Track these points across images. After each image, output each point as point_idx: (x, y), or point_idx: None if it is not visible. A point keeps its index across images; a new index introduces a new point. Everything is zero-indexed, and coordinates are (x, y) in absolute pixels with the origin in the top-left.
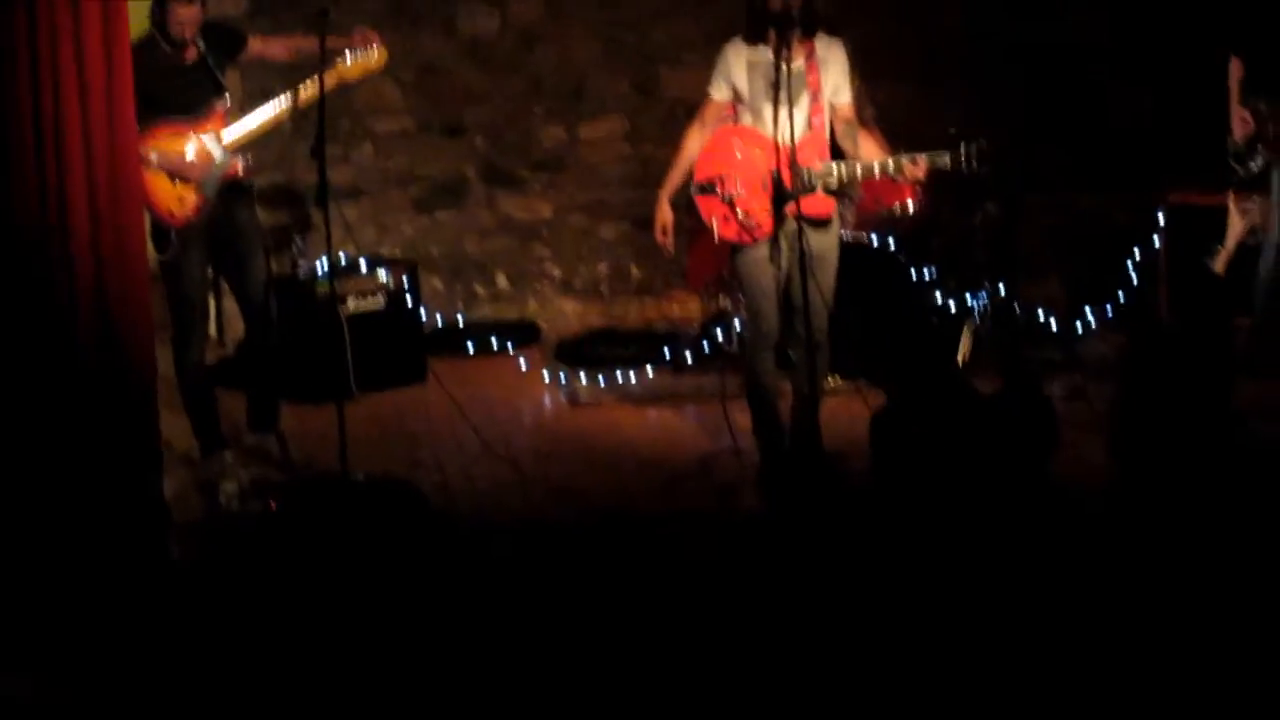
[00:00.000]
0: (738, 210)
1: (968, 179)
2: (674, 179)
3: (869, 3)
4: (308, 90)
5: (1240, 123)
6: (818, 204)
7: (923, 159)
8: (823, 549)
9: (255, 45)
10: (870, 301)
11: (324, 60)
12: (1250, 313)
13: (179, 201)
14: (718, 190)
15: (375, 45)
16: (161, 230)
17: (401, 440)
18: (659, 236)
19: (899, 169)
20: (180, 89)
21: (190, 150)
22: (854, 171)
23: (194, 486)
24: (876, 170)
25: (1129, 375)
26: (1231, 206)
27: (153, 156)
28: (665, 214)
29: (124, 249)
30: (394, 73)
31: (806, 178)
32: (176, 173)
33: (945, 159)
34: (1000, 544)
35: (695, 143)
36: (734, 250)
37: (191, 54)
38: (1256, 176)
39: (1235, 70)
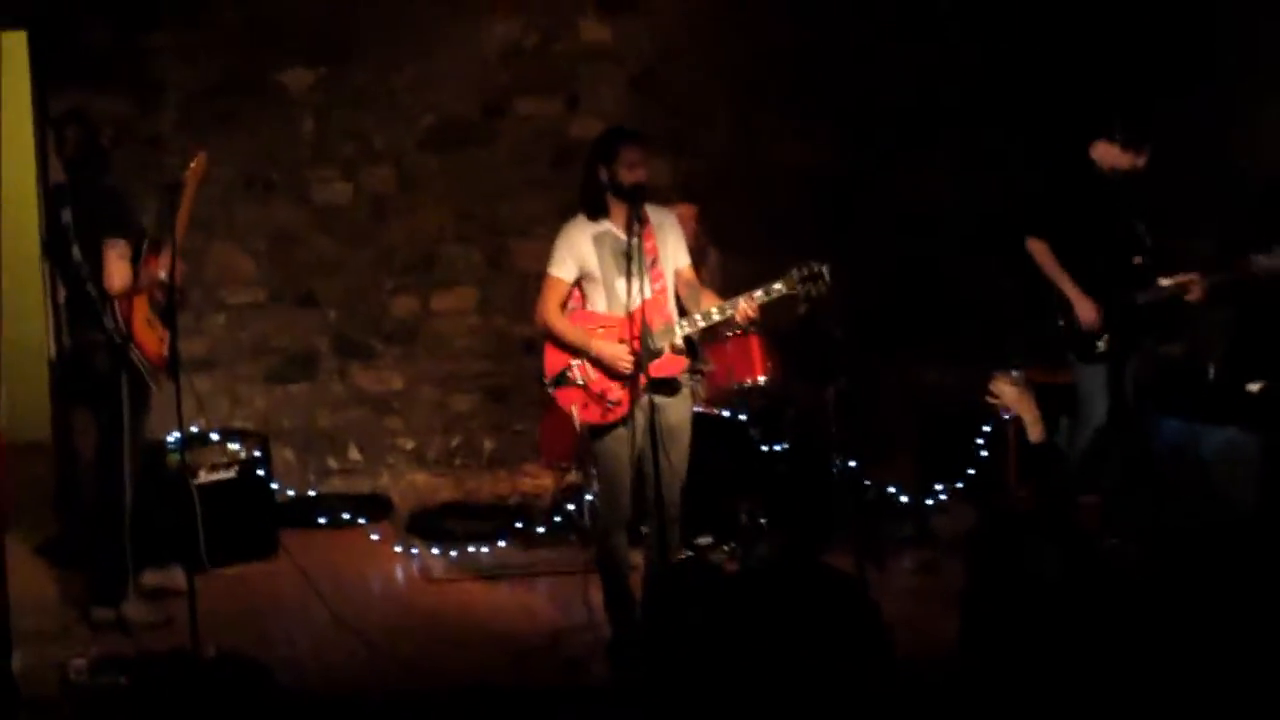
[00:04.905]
0: (595, 393)
1: (810, 302)
2: (581, 338)
3: (725, 180)
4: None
5: (1094, 311)
6: (667, 365)
7: (757, 293)
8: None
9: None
10: (722, 474)
11: (174, 233)
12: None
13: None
14: (570, 378)
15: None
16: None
17: (253, 615)
18: (623, 363)
19: (733, 308)
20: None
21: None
22: (694, 323)
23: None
24: (715, 314)
25: (978, 550)
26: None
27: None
28: (609, 348)
29: None
30: (246, 243)
31: (651, 342)
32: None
33: (780, 286)
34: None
35: (565, 320)
36: (592, 430)
37: None
38: (1100, 355)
39: (1042, 251)
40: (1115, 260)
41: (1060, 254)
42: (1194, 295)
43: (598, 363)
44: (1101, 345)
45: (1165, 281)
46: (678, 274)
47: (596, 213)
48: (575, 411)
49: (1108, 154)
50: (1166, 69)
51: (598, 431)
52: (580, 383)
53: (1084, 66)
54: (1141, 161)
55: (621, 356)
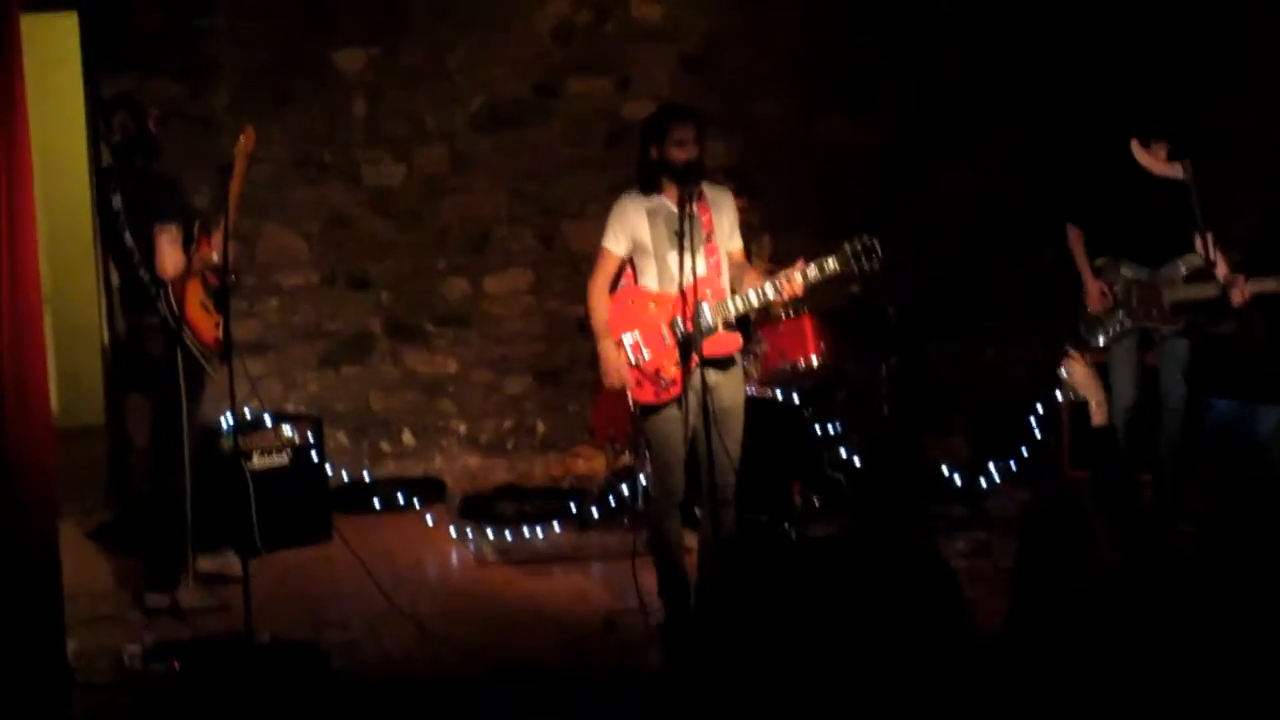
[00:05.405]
0: (649, 371)
1: (863, 278)
2: (600, 328)
3: (779, 157)
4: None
5: (1100, 297)
6: (720, 343)
7: (811, 270)
8: (726, 706)
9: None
10: (776, 455)
11: (226, 216)
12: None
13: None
14: (625, 356)
15: (246, 132)
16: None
17: (307, 599)
18: (610, 378)
19: (778, 288)
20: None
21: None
22: (748, 300)
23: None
24: (769, 291)
25: (1031, 532)
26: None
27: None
28: (609, 356)
29: (26, 396)
30: (299, 225)
31: (704, 319)
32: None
33: (833, 262)
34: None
35: (606, 301)
36: (645, 410)
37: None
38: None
39: (1075, 238)
40: (1143, 252)
41: (1093, 242)
42: (1236, 299)
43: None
44: (1103, 334)
45: (1219, 276)
46: (729, 255)
47: (650, 189)
48: (629, 390)
49: (1138, 152)
50: (1202, 68)
51: (649, 411)
52: (633, 361)
53: (1128, 68)
54: (1162, 154)
55: (613, 370)
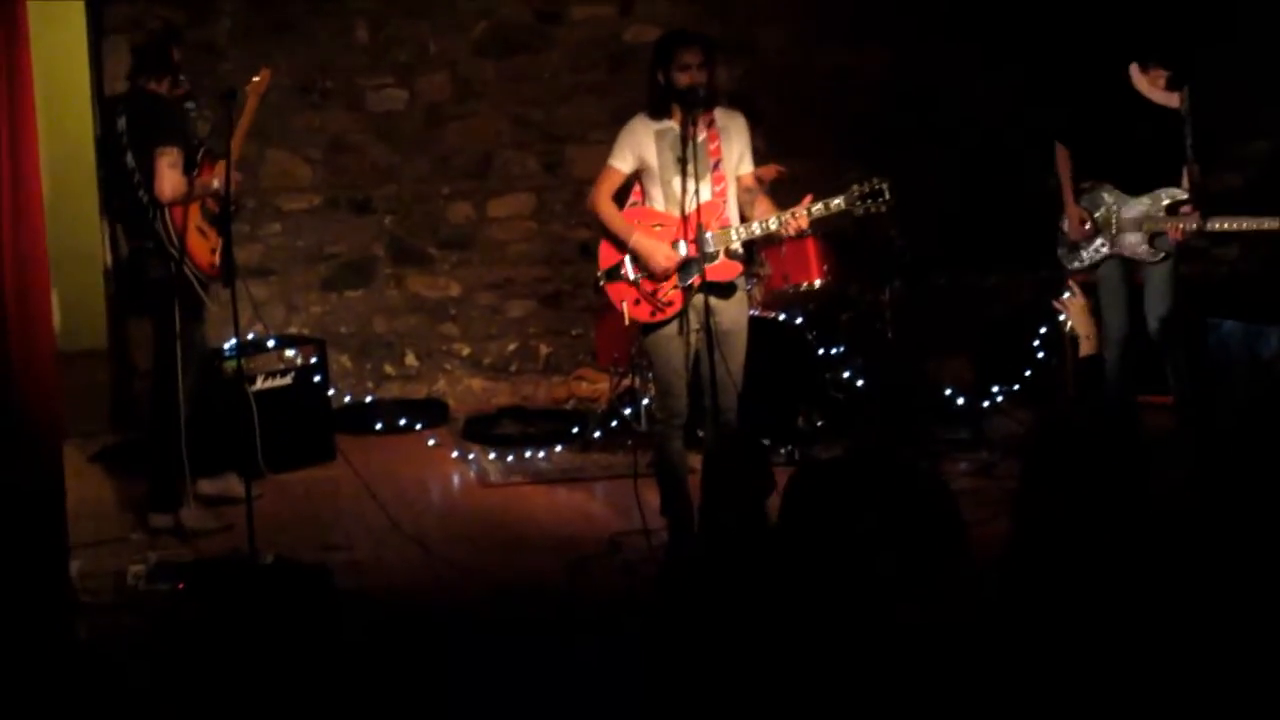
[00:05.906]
0: (646, 290)
1: (869, 218)
2: (624, 228)
3: (781, 84)
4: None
5: (1080, 225)
6: (722, 269)
7: (816, 207)
8: (730, 626)
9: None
10: (778, 378)
11: (229, 141)
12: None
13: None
14: (623, 274)
15: (262, 73)
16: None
17: (310, 520)
18: (659, 259)
19: (782, 222)
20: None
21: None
22: (751, 231)
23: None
24: (773, 224)
25: (1033, 454)
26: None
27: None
28: (648, 242)
29: (29, 318)
30: (302, 150)
31: (706, 245)
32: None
33: (839, 202)
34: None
35: (613, 205)
36: (644, 329)
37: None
38: (1084, 268)
39: (1062, 158)
40: (1128, 179)
41: (1080, 164)
42: (1172, 234)
43: (637, 258)
44: (1077, 261)
45: (1184, 211)
46: (739, 180)
47: (659, 113)
48: (626, 308)
49: (1136, 77)
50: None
51: (649, 330)
52: (632, 278)
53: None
54: (1160, 81)
55: (660, 251)
